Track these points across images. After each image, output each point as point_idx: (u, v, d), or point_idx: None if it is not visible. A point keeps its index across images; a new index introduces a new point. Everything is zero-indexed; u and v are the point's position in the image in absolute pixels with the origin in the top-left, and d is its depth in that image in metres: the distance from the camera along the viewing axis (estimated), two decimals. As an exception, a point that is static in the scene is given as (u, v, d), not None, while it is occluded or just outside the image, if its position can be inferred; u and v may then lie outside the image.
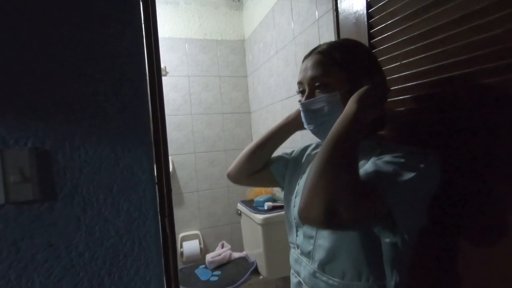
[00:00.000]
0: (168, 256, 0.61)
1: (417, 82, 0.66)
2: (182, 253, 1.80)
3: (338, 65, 0.58)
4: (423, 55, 0.64)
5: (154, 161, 0.60)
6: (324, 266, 0.59)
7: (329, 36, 1.10)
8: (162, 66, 1.86)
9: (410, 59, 0.67)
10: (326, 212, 0.43)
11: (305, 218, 0.47)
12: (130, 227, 0.57)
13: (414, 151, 0.52)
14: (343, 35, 0.89)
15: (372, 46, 0.76)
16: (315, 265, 0.60)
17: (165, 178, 0.62)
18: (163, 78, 1.85)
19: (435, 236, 0.64)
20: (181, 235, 1.88)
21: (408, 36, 0.67)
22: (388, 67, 0.71)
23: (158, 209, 0.60)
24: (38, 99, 0.52)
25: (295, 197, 0.69)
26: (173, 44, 1.93)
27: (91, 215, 0.55)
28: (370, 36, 0.77)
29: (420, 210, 0.49)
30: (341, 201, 0.43)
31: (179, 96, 1.94)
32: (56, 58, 0.52)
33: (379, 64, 0.63)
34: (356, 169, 0.47)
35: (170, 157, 1.86)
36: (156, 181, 0.61)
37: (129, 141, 0.57)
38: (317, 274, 0.60)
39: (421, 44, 0.64)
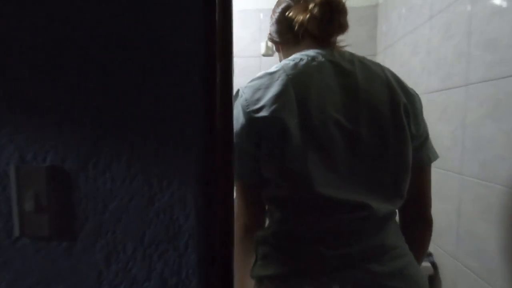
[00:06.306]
0: None
1: None
2: None
3: None
4: None
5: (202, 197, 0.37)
6: None
7: None
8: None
9: None
10: None
11: None
12: (163, 298, 0.38)
13: None
14: None
15: None
16: None
17: (219, 225, 0.39)
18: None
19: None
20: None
21: None
22: None
23: (204, 277, 0.38)
24: (62, 107, 0.36)
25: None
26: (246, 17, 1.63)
27: (116, 270, 0.38)
28: None
29: None
30: None
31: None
32: (86, 58, 0.35)
33: None
34: None
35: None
36: (205, 228, 0.38)
37: (170, 168, 0.36)
38: None
39: None
